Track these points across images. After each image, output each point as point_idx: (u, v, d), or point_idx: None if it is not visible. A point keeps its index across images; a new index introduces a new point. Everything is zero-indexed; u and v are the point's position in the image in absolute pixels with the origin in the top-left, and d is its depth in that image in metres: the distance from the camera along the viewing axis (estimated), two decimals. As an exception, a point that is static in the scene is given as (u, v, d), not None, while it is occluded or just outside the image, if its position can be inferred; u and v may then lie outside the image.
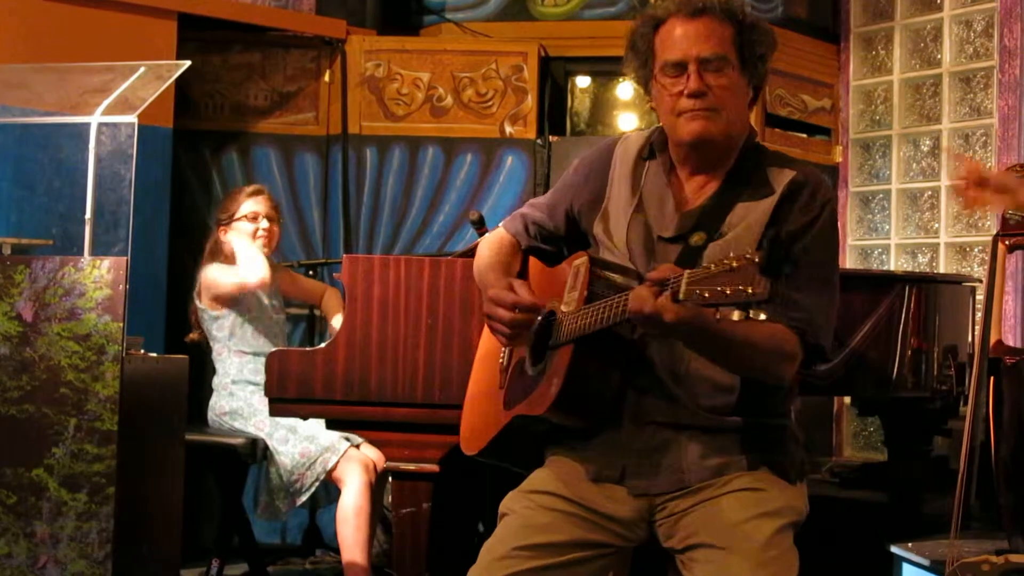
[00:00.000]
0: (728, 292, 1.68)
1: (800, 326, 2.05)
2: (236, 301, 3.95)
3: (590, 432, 2.15)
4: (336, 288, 4.29)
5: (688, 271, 1.76)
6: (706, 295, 1.71)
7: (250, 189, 4.11)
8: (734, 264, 1.68)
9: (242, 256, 3.89)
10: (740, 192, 2.13)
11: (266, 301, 4.04)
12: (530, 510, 2.13)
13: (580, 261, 2.14)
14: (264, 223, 4.01)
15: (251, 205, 4.02)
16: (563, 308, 2.14)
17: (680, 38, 2.10)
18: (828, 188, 2.18)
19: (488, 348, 2.47)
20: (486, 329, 2.47)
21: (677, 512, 2.10)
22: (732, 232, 2.09)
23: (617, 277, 2.11)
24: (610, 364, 2.09)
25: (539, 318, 2.19)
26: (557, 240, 2.37)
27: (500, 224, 2.47)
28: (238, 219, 3.99)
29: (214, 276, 3.94)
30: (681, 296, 1.76)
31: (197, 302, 3.98)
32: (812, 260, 2.07)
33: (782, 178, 2.13)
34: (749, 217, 2.10)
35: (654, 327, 1.87)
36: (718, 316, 1.80)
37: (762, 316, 1.72)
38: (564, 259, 2.40)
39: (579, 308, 2.07)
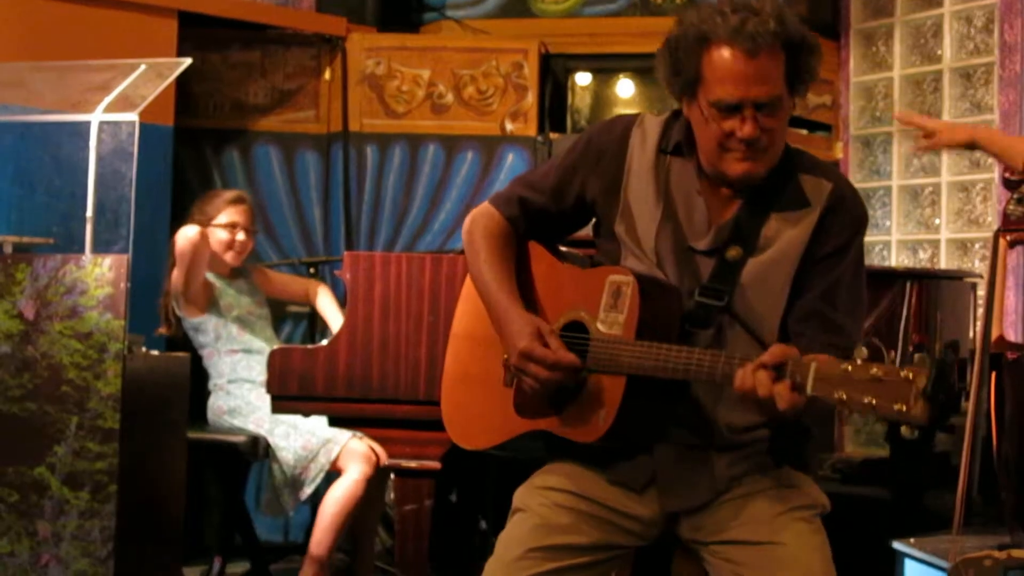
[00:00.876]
0: (874, 403, 1.62)
1: (842, 355, 1.93)
2: (209, 302, 3.93)
3: (617, 451, 2.08)
4: (323, 283, 4.28)
5: (815, 364, 1.70)
6: (843, 397, 1.65)
7: (231, 195, 4.05)
8: (881, 376, 1.62)
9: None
10: (773, 202, 2.04)
11: (243, 298, 4.02)
12: (547, 508, 2.08)
13: (624, 280, 2.02)
14: (241, 235, 3.98)
15: (232, 215, 3.98)
16: (600, 328, 2.04)
17: (737, 78, 1.93)
18: (861, 200, 2.12)
19: (474, 328, 2.30)
20: (463, 304, 2.36)
21: (701, 509, 2.08)
22: (771, 248, 2.03)
23: (663, 305, 2.02)
24: (660, 398, 2.02)
25: (560, 327, 2.11)
26: (560, 223, 2.25)
27: (490, 202, 2.28)
28: (216, 225, 3.96)
29: (173, 279, 3.89)
30: (808, 391, 1.70)
31: (176, 309, 3.95)
32: (850, 279, 2.05)
33: (820, 190, 2.05)
34: (788, 232, 2.03)
35: (759, 407, 1.80)
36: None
37: (906, 434, 1.64)
38: (560, 242, 2.32)
39: (631, 339, 1.98)
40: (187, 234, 3.76)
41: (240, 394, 3.87)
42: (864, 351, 1.65)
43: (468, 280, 2.35)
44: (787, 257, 2.02)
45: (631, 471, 2.08)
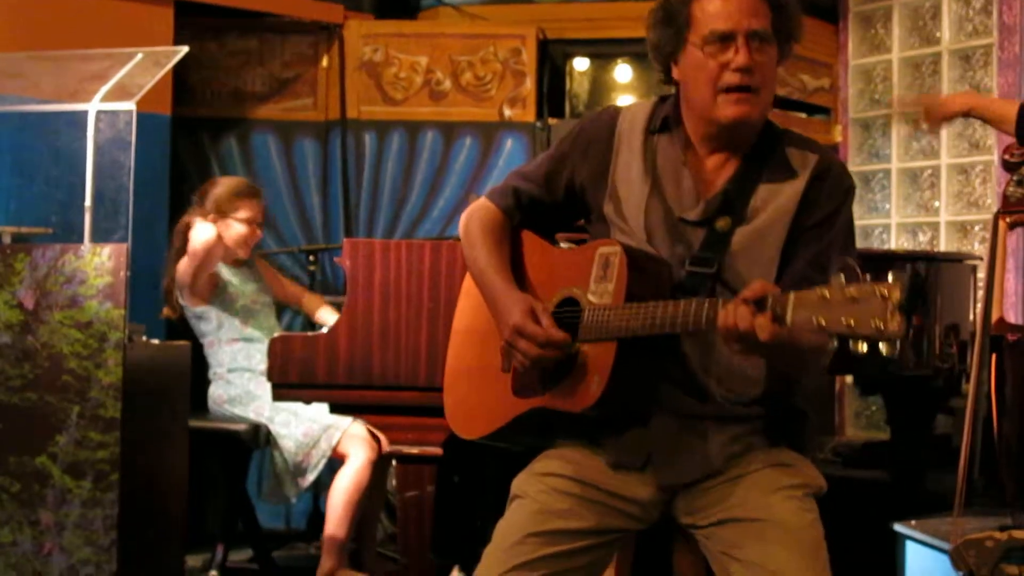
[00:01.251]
0: (852, 323, 1.63)
1: None
2: (214, 294, 3.93)
3: (614, 424, 2.11)
4: (324, 298, 4.28)
5: (794, 293, 1.72)
6: (822, 322, 1.67)
7: (248, 189, 4.04)
8: (856, 295, 1.64)
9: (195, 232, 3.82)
10: (760, 172, 2.09)
11: (248, 287, 4.01)
12: (545, 494, 2.09)
13: (611, 250, 2.06)
14: (258, 231, 4.01)
15: (250, 209, 3.98)
16: (591, 298, 2.07)
17: (729, 9, 2.02)
18: (848, 172, 2.16)
19: (473, 323, 2.36)
20: (464, 301, 2.41)
21: (698, 489, 2.09)
22: (760, 217, 2.06)
23: (653, 272, 2.06)
24: (651, 362, 2.04)
25: (554, 305, 2.14)
26: (553, 213, 2.29)
27: (485, 196, 2.33)
28: (234, 219, 3.97)
29: (180, 270, 3.88)
30: (788, 320, 1.72)
31: (180, 298, 3.95)
32: (840, 247, 2.06)
33: (806, 161, 2.10)
34: (775, 201, 2.07)
35: (741, 343, 1.82)
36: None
37: (886, 350, 1.65)
38: (556, 231, 2.35)
39: (620, 304, 2.00)
40: (204, 236, 3.74)
41: (240, 383, 3.87)
42: (841, 277, 1.67)
43: (467, 277, 2.39)
44: (776, 225, 2.05)
45: (628, 449, 2.09)
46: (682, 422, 2.08)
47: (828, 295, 1.67)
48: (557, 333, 2.06)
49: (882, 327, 1.61)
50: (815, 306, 1.69)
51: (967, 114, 3.02)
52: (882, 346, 1.64)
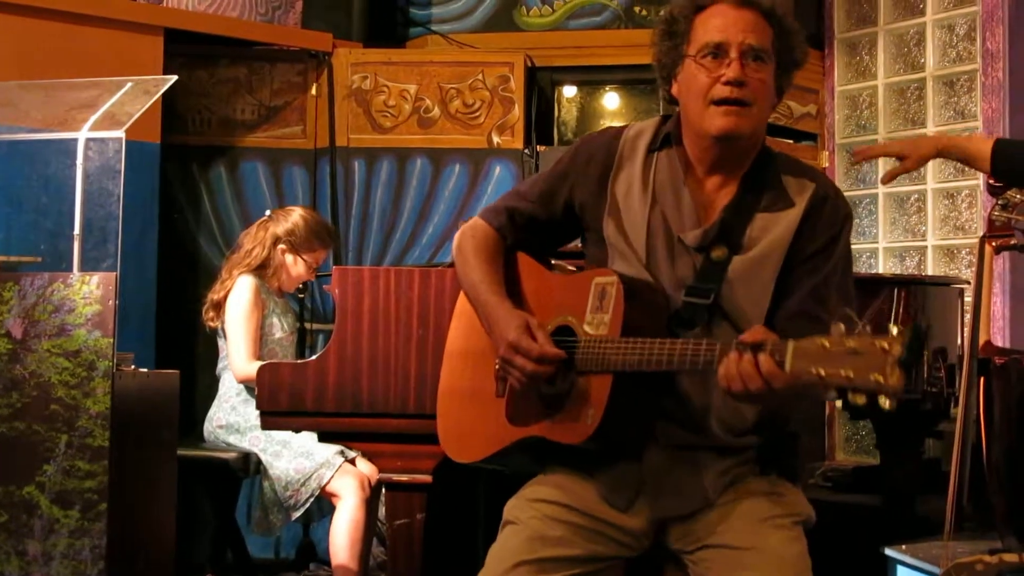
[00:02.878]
0: (851, 376, 1.62)
1: None
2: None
3: (607, 456, 2.09)
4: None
5: (793, 342, 1.71)
6: (821, 373, 1.65)
7: (328, 236, 4.08)
8: (857, 348, 1.62)
9: (240, 344, 3.85)
10: (758, 200, 2.08)
11: (287, 320, 4.01)
12: (537, 520, 2.08)
13: (608, 280, 2.05)
14: (314, 275, 4.05)
15: (323, 255, 4.04)
16: (587, 329, 2.05)
17: (727, 23, 2.04)
18: (845, 199, 2.15)
19: (467, 345, 2.35)
20: (456, 322, 2.40)
21: (689, 516, 2.09)
22: (756, 248, 2.05)
23: (649, 303, 2.05)
24: (647, 397, 2.03)
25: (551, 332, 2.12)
26: (549, 232, 2.28)
27: (479, 215, 2.33)
28: (304, 255, 3.98)
29: (234, 322, 3.86)
30: (787, 368, 1.71)
31: (210, 320, 3.95)
32: (839, 278, 2.07)
33: (802, 190, 2.09)
34: (772, 231, 2.06)
35: (741, 393, 1.80)
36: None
37: (885, 405, 1.63)
38: (551, 253, 2.34)
39: (617, 337, 1.99)
40: (244, 373, 3.79)
41: (244, 412, 3.84)
42: (841, 327, 1.65)
43: (460, 298, 2.38)
44: (772, 254, 2.05)
45: (619, 484, 2.09)
46: (675, 455, 2.07)
47: (828, 345, 1.66)
48: (552, 349, 2.05)
49: (882, 381, 1.59)
50: (814, 356, 1.67)
51: (939, 155, 3.01)
52: (881, 399, 1.62)
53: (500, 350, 2.10)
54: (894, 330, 1.61)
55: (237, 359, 3.82)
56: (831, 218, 2.08)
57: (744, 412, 2.03)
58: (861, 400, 1.63)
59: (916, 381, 1.63)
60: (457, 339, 2.41)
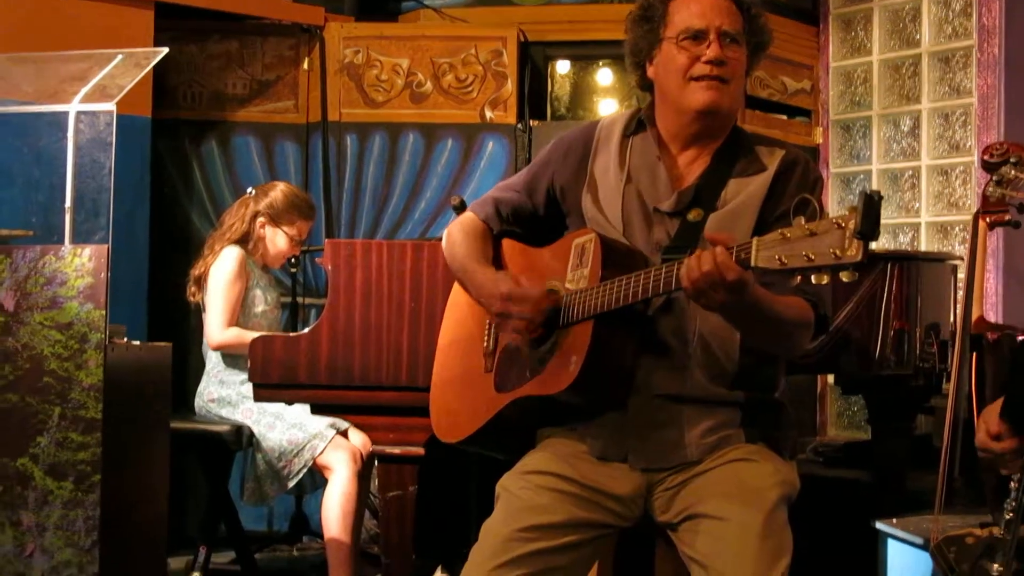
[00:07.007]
0: (812, 256, 1.67)
1: (813, 299, 2.11)
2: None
3: (595, 410, 2.15)
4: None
5: (756, 238, 1.77)
6: (784, 260, 1.71)
7: (307, 207, 4.08)
8: (815, 230, 1.68)
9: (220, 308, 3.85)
10: (731, 168, 2.18)
11: (270, 295, 4.01)
12: (528, 491, 2.12)
13: (586, 239, 2.14)
14: (296, 248, 4.05)
15: (302, 228, 4.04)
16: (568, 286, 2.14)
17: (703, 9, 2.17)
18: (815, 166, 2.26)
19: (457, 334, 2.44)
20: (450, 315, 2.49)
21: (675, 486, 2.12)
22: (730, 205, 2.14)
23: (626, 256, 2.12)
24: (628, 340, 2.09)
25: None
26: (534, 221, 2.37)
27: (468, 209, 2.46)
28: (284, 227, 3.98)
29: (214, 290, 3.86)
30: (753, 262, 1.77)
31: (192, 295, 3.94)
32: None
33: (773, 156, 2.20)
34: (744, 192, 2.16)
35: (711, 290, 1.85)
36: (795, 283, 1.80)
37: (846, 278, 1.68)
38: (538, 243, 2.38)
39: (594, 285, 2.06)
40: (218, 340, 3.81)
41: (234, 384, 3.85)
42: (802, 219, 1.71)
43: (453, 292, 2.48)
44: (746, 211, 2.14)
45: (610, 436, 2.14)
46: (659, 404, 2.12)
47: (789, 234, 1.72)
48: (545, 294, 2.15)
49: (839, 254, 1.64)
50: (777, 246, 1.73)
51: None
52: (842, 275, 1.67)
53: (495, 307, 2.19)
54: (848, 208, 1.66)
55: (211, 325, 3.83)
56: (802, 179, 2.19)
57: (724, 362, 2.11)
58: (825, 279, 1.68)
59: (872, 229, 1.66)
60: (446, 333, 2.51)
